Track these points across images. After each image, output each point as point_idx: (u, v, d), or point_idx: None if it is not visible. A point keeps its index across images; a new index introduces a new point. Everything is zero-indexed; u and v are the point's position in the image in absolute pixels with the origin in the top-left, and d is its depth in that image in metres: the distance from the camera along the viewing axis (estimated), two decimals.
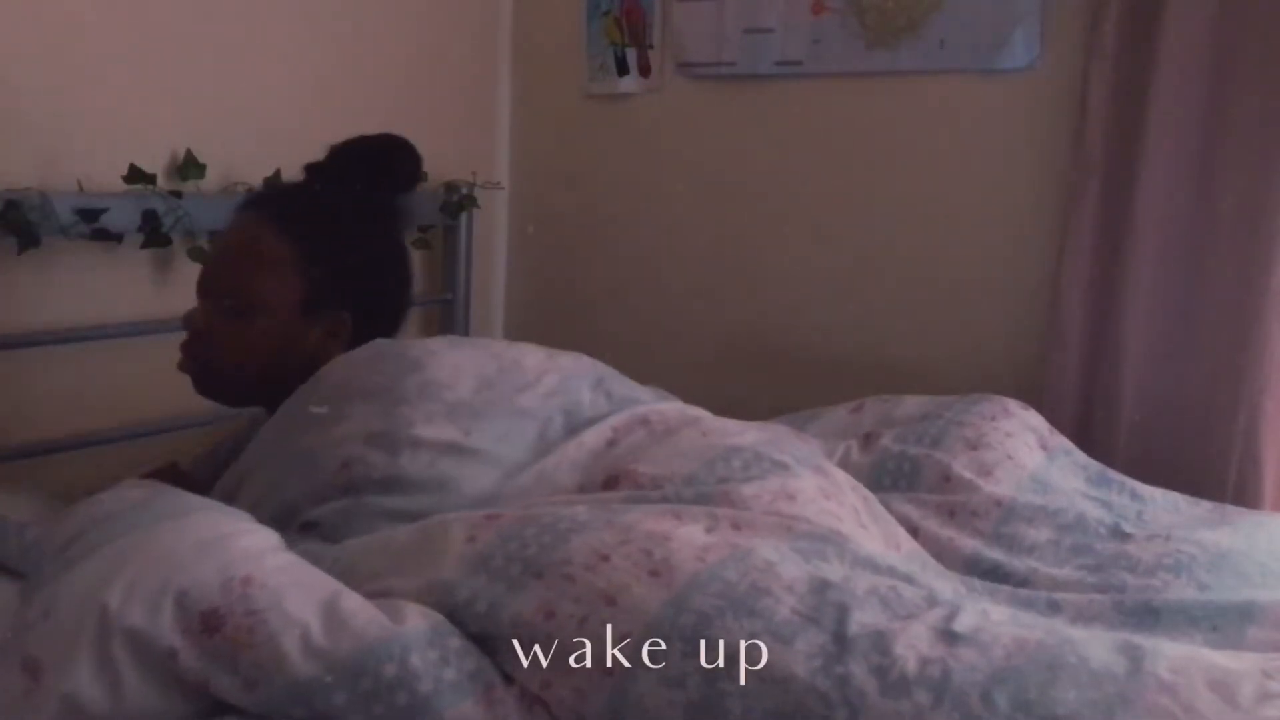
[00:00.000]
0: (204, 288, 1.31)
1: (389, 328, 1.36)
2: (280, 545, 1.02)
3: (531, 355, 1.30)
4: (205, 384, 1.32)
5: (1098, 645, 0.89)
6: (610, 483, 1.14)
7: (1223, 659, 0.90)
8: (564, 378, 1.28)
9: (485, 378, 1.23)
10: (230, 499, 1.18)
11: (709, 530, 1.02)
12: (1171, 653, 0.88)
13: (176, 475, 1.31)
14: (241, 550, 0.97)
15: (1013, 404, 1.54)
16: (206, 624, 0.89)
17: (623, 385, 1.33)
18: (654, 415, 1.27)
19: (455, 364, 1.23)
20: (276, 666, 0.87)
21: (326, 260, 1.29)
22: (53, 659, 0.88)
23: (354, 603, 0.93)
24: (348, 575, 1.00)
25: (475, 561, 0.97)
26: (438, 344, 1.28)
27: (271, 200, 1.37)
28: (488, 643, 0.92)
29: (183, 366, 1.31)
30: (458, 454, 1.15)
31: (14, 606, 0.98)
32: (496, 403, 1.21)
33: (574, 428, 1.23)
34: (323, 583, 0.96)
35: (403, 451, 1.13)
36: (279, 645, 0.88)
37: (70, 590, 0.92)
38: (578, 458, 1.19)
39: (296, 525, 1.13)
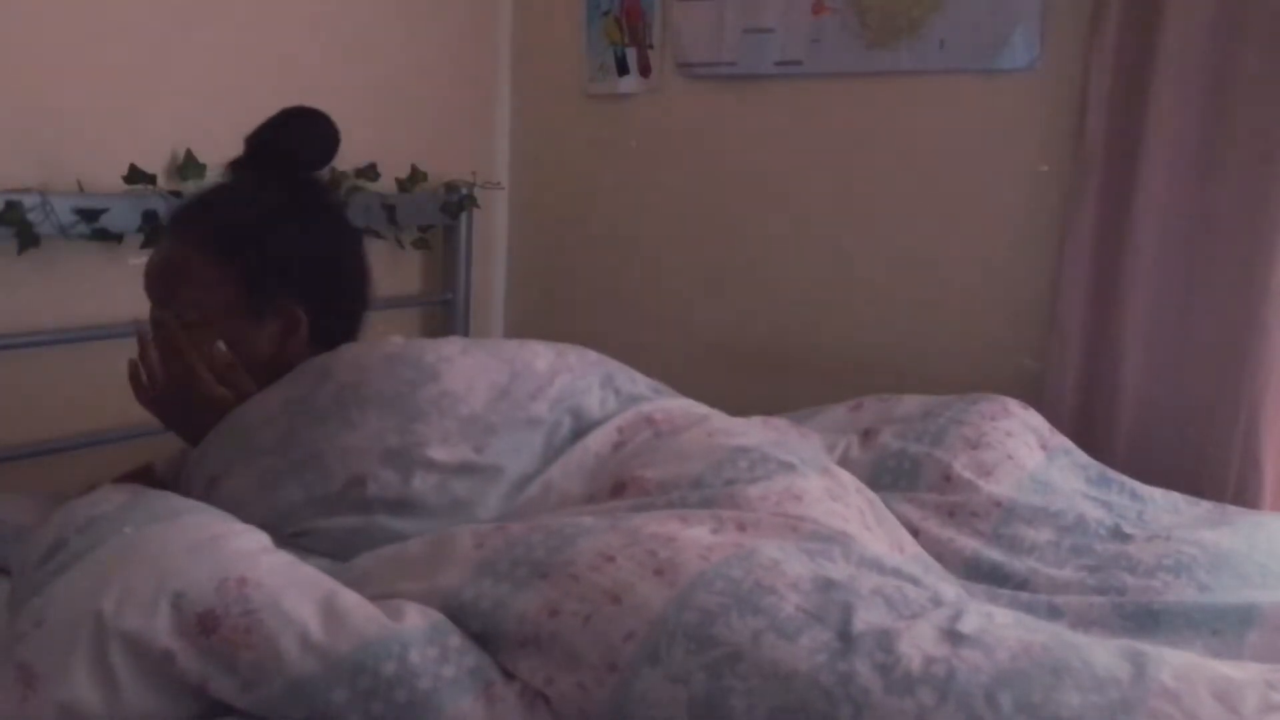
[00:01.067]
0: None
1: (349, 323, 1.33)
2: (272, 546, 1.02)
3: (542, 357, 1.27)
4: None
5: (1102, 650, 0.88)
6: (617, 490, 1.13)
7: (1227, 668, 0.89)
8: (574, 378, 1.26)
9: (499, 387, 1.20)
10: (211, 483, 1.16)
11: (714, 532, 1.01)
12: (1176, 660, 0.88)
13: (151, 477, 1.29)
14: (235, 551, 0.97)
15: (1013, 404, 1.53)
16: (203, 625, 0.89)
17: (630, 381, 1.32)
18: (660, 415, 1.25)
19: (469, 373, 1.20)
20: (275, 665, 0.87)
21: (251, 256, 1.24)
22: (48, 666, 0.87)
23: (351, 600, 0.93)
24: (359, 584, 0.99)
25: (482, 565, 0.97)
26: (451, 349, 1.24)
27: (180, 214, 1.33)
28: (490, 641, 0.92)
29: None
30: (470, 473, 1.13)
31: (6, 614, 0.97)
32: (510, 414, 1.18)
33: (581, 431, 1.21)
34: (319, 581, 0.96)
35: (415, 474, 1.11)
36: (277, 644, 0.88)
37: (62, 597, 0.91)
38: (584, 462, 1.18)
39: (292, 531, 1.11)
